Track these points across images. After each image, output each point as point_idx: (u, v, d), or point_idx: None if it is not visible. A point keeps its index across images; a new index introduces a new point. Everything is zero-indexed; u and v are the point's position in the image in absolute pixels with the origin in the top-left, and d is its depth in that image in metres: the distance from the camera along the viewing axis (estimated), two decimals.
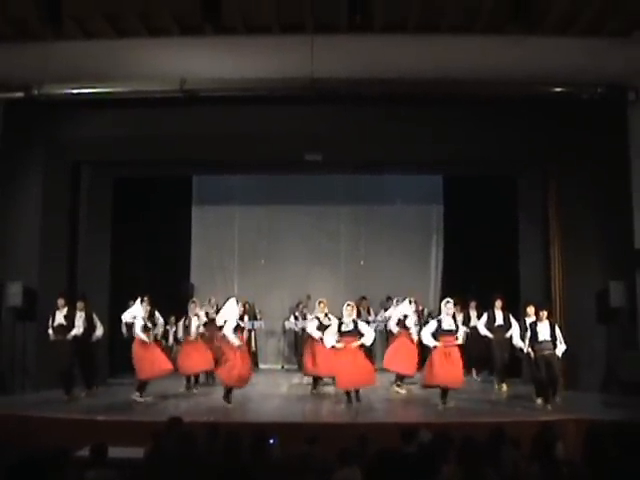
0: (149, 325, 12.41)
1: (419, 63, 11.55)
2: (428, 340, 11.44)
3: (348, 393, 11.51)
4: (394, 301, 14.67)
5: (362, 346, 11.75)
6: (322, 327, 12.28)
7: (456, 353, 11.34)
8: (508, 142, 13.34)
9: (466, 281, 15.59)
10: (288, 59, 11.46)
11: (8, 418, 9.99)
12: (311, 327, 12.65)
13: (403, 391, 12.68)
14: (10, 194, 12.99)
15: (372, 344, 15.90)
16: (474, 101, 12.37)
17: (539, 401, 11.32)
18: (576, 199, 13.25)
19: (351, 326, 11.60)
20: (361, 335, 11.59)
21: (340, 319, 11.84)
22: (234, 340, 11.32)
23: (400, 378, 12.90)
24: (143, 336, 12.03)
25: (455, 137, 13.17)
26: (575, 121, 12.67)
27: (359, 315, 15.75)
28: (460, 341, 11.57)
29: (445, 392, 11.17)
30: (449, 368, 11.14)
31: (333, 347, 11.57)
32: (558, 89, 11.94)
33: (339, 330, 11.60)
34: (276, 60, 11.64)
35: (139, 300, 12.47)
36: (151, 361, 12.01)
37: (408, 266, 17.05)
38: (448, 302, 11.69)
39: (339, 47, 11.38)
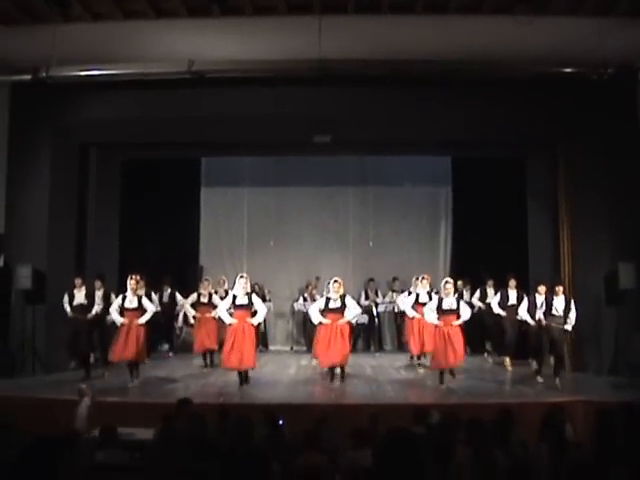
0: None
1: (427, 44, 11.51)
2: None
3: (331, 370, 11.60)
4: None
5: (350, 328, 11.69)
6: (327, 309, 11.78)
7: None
8: (517, 123, 13.31)
9: (475, 262, 15.57)
10: (296, 40, 11.42)
11: (19, 400, 10.04)
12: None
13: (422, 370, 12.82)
14: (18, 177, 13.01)
15: (375, 325, 16.09)
16: (482, 82, 12.30)
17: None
18: (585, 180, 13.21)
19: (338, 303, 11.54)
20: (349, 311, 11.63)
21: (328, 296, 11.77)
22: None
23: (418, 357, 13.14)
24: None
25: (464, 118, 13.14)
26: (584, 102, 12.60)
27: (367, 296, 15.90)
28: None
29: (442, 373, 11.31)
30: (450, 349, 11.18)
31: (320, 323, 11.59)
32: (567, 70, 11.85)
33: (326, 306, 11.56)
34: (284, 41, 11.60)
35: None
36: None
37: (417, 247, 17.07)
38: (447, 282, 11.65)
39: (347, 28, 11.33)
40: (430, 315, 11.47)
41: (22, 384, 11.59)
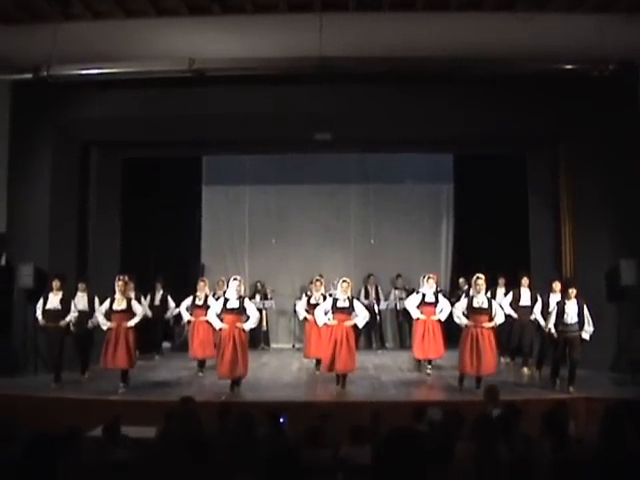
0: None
1: (428, 41, 11.50)
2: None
3: (337, 376, 11.12)
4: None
5: (355, 327, 11.29)
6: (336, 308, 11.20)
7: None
8: (518, 120, 13.29)
9: (476, 259, 15.51)
10: (296, 38, 11.42)
11: (21, 399, 10.05)
12: (318, 310, 11.44)
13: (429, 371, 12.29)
14: (19, 175, 13.01)
15: (377, 322, 15.97)
16: (483, 79, 12.28)
17: (557, 382, 10.95)
18: (587, 177, 13.21)
19: (347, 303, 11.02)
20: (356, 314, 11.07)
21: (334, 295, 11.37)
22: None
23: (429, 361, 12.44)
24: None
25: (465, 115, 13.13)
26: (586, 98, 12.57)
27: (367, 293, 15.88)
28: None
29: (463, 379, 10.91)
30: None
31: (325, 324, 11.05)
32: (568, 66, 11.85)
33: (334, 305, 11.02)
34: (284, 39, 11.60)
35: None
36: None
37: (418, 245, 17.07)
38: (479, 278, 10.98)
39: (348, 25, 11.32)
40: (461, 317, 10.84)
41: (24, 383, 11.59)
